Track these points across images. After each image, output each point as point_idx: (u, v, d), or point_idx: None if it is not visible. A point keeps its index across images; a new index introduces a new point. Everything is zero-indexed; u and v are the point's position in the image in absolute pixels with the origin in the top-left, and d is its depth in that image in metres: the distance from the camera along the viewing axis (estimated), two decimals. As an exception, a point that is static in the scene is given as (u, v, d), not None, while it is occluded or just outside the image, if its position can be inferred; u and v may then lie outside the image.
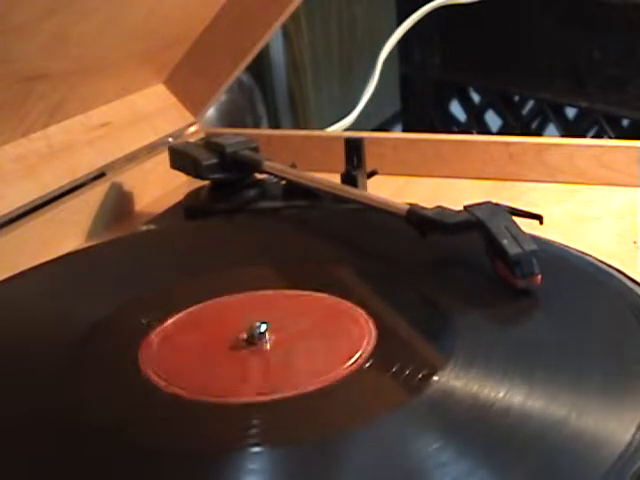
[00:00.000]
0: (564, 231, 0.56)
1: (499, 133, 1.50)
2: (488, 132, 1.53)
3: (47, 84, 0.56)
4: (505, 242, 0.42)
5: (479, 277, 0.44)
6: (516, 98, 1.51)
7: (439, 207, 0.47)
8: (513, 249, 0.42)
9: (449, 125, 1.59)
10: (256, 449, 0.33)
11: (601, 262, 0.46)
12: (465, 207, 0.46)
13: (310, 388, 0.36)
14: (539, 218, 0.47)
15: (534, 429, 0.32)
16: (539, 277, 0.41)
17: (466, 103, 1.58)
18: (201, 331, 0.42)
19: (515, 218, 0.45)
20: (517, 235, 0.43)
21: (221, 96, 0.81)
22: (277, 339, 0.40)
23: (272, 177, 0.60)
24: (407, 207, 0.48)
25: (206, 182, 0.60)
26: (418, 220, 0.47)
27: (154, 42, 0.65)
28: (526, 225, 0.46)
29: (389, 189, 0.65)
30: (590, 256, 0.46)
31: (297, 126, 1.55)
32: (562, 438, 0.32)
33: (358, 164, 0.59)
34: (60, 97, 0.59)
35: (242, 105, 1.29)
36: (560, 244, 0.48)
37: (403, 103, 1.64)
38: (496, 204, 0.46)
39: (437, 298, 0.42)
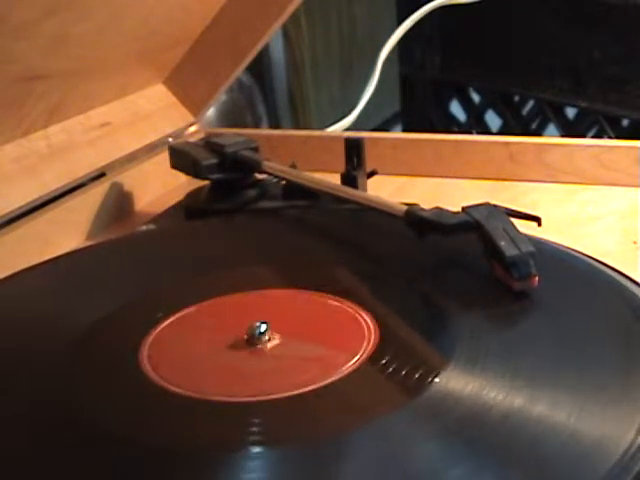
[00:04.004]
0: (564, 231, 0.56)
1: (499, 133, 1.50)
2: (488, 132, 1.53)
3: (47, 84, 0.56)
4: (502, 244, 0.42)
5: (480, 278, 0.44)
6: (516, 98, 1.51)
7: (437, 208, 0.47)
8: (510, 251, 0.42)
9: (449, 125, 1.59)
10: (256, 449, 0.33)
11: (601, 262, 0.46)
12: (463, 208, 0.46)
13: (310, 388, 0.36)
14: (537, 220, 0.47)
15: (534, 430, 0.32)
16: (536, 279, 0.41)
17: (466, 103, 1.58)
18: (201, 331, 0.42)
19: (514, 219, 0.45)
20: (514, 237, 0.43)
21: (221, 96, 0.81)
22: (277, 339, 0.40)
23: (272, 177, 0.60)
24: (405, 208, 0.48)
25: (206, 182, 0.61)
26: (416, 221, 0.47)
27: (154, 42, 0.65)
28: (526, 225, 0.46)
29: (389, 189, 0.66)
30: (589, 256, 0.46)
31: (297, 126, 1.55)
32: (562, 440, 0.32)
33: (358, 164, 0.59)
34: (60, 97, 0.59)
35: (242, 105, 1.29)
36: (559, 244, 0.48)
37: (403, 103, 1.64)
38: (494, 205, 0.46)
39: (437, 299, 0.42)
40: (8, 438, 0.35)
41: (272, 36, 0.77)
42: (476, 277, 0.44)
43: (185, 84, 0.72)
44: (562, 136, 1.37)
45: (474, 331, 0.39)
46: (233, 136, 0.61)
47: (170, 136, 0.71)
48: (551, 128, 1.47)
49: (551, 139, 0.73)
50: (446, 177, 0.68)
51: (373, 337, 0.39)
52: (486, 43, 1.44)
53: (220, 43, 0.71)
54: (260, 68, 1.43)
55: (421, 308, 0.43)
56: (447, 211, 0.47)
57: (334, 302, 0.43)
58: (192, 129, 0.75)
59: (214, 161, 0.59)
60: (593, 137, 1.36)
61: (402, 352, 0.38)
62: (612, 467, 0.30)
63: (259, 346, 0.39)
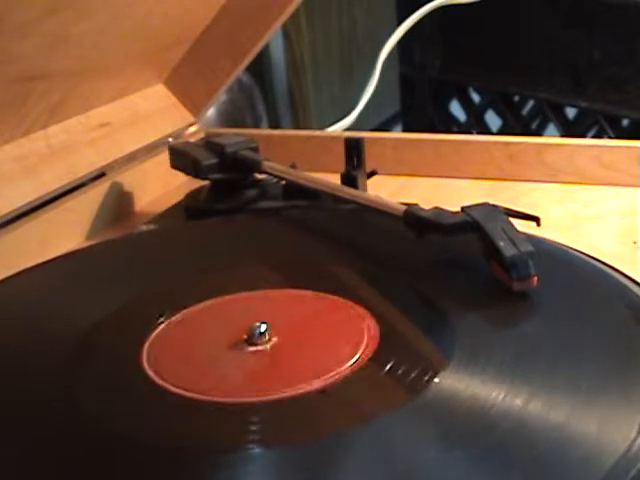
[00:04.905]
0: (564, 231, 0.56)
1: (499, 133, 1.50)
2: (488, 132, 1.53)
3: (47, 84, 0.56)
4: (501, 244, 0.42)
5: (479, 278, 0.44)
6: (516, 98, 1.51)
7: (436, 208, 0.47)
8: (509, 251, 0.42)
9: (449, 125, 1.59)
10: (256, 449, 0.33)
11: (600, 262, 0.46)
12: (462, 208, 0.46)
13: (310, 388, 0.36)
14: (536, 220, 0.47)
15: (534, 430, 0.32)
16: (535, 279, 0.41)
17: (466, 103, 1.58)
18: (201, 331, 0.42)
19: (513, 219, 0.45)
20: (513, 237, 0.42)
21: (221, 96, 0.81)
22: (277, 339, 0.40)
23: (272, 177, 0.60)
24: (404, 208, 0.48)
25: (206, 182, 0.61)
26: (415, 221, 0.47)
27: (154, 42, 0.65)
28: (525, 225, 0.46)
29: (389, 189, 0.66)
30: (589, 256, 0.46)
31: (297, 126, 1.55)
32: (562, 440, 0.32)
33: (358, 164, 0.59)
34: (60, 97, 0.59)
35: (242, 105, 1.29)
36: (559, 244, 0.49)
37: (403, 103, 1.64)
38: (493, 205, 0.46)
39: (437, 299, 0.42)
40: (8, 438, 0.35)
41: (272, 36, 0.77)
42: (476, 277, 0.44)
43: (185, 84, 0.72)
44: (562, 136, 1.37)
45: (474, 331, 0.39)
46: (233, 136, 0.61)
47: (170, 136, 0.71)
48: (551, 128, 1.47)
49: (551, 139, 0.73)
50: (446, 177, 0.68)
51: (373, 337, 0.39)
52: (486, 43, 1.44)
53: (220, 43, 0.71)
54: (260, 68, 1.43)
55: (421, 308, 0.43)
56: (446, 211, 0.47)
57: (334, 302, 0.43)
58: (192, 129, 0.75)
59: (214, 161, 0.59)
60: (593, 137, 1.35)
61: (402, 352, 0.38)
62: (611, 468, 0.30)
63: (259, 346, 0.39)
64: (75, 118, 0.62)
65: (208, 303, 0.44)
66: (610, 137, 1.30)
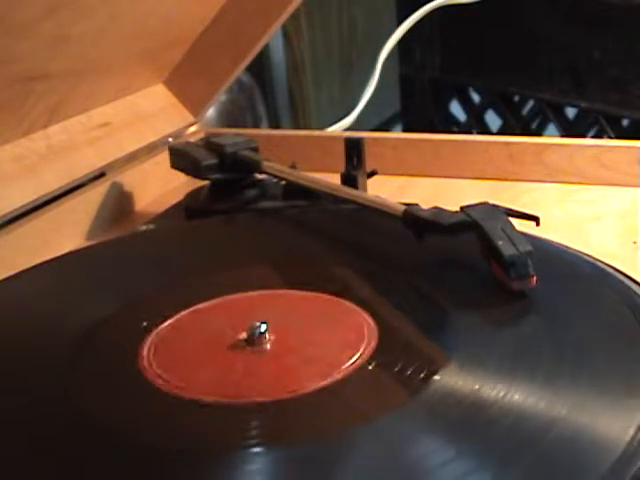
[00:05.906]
0: (564, 231, 0.56)
1: (499, 133, 1.50)
2: (488, 132, 1.53)
3: (47, 84, 0.56)
4: (500, 243, 0.42)
5: (479, 278, 0.44)
6: (516, 98, 1.51)
7: (435, 208, 0.47)
8: (508, 250, 0.42)
9: (449, 125, 1.59)
10: (256, 449, 0.33)
11: (600, 262, 0.46)
12: (462, 208, 0.46)
13: (310, 388, 0.36)
14: (536, 220, 0.47)
15: (534, 429, 0.32)
16: (534, 279, 0.41)
17: (466, 103, 1.58)
18: (201, 331, 0.42)
19: (512, 219, 0.45)
20: (513, 236, 0.42)
21: (221, 96, 0.81)
22: (277, 339, 0.40)
23: (272, 177, 0.60)
24: (403, 208, 0.48)
25: (206, 182, 0.61)
26: (414, 221, 0.47)
27: (154, 42, 0.65)
28: (525, 225, 0.46)
29: (389, 189, 0.66)
30: (589, 256, 0.46)
31: (297, 126, 1.55)
32: (562, 438, 0.32)
33: (358, 164, 0.59)
34: (60, 97, 0.59)
35: (242, 105, 1.29)
36: (559, 244, 0.49)
37: (403, 103, 1.64)
38: (493, 205, 0.46)
39: (436, 298, 0.42)
40: (8, 438, 0.35)
41: (272, 36, 0.77)
42: (475, 277, 0.44)
43: (185, 84, 0.72)
44: (562, 136, 1.37)
45: (473, 330, 0.39)
46: (233, 136, 0.61)
47: (170, 136, 0.71)
48: (551, 128, 1.47)
49: (551, 139, 0.73)
50: (446, 177, 0.68)
51: (373, 337, 0.39)
52: (486, 43, 1.44)
53: (220, 43, 0.71)
54: (260, 68, 1.43)
55: (421, 308, 0.43)
56: (446, 211, 0.47)
57: (334, 302, 0.43)
58: (192, 129, 0.75)
59: (214, 161, 0.59)
60: (593, 137, 1.35)
61: (402, 352, 0.38)
62: (612, 466, 0.30)
63: (259, 346, 0.39)
64: (75, 118, 0.62)
65: (208, 303, 0.44)
66: (610, 137, 1.30)
